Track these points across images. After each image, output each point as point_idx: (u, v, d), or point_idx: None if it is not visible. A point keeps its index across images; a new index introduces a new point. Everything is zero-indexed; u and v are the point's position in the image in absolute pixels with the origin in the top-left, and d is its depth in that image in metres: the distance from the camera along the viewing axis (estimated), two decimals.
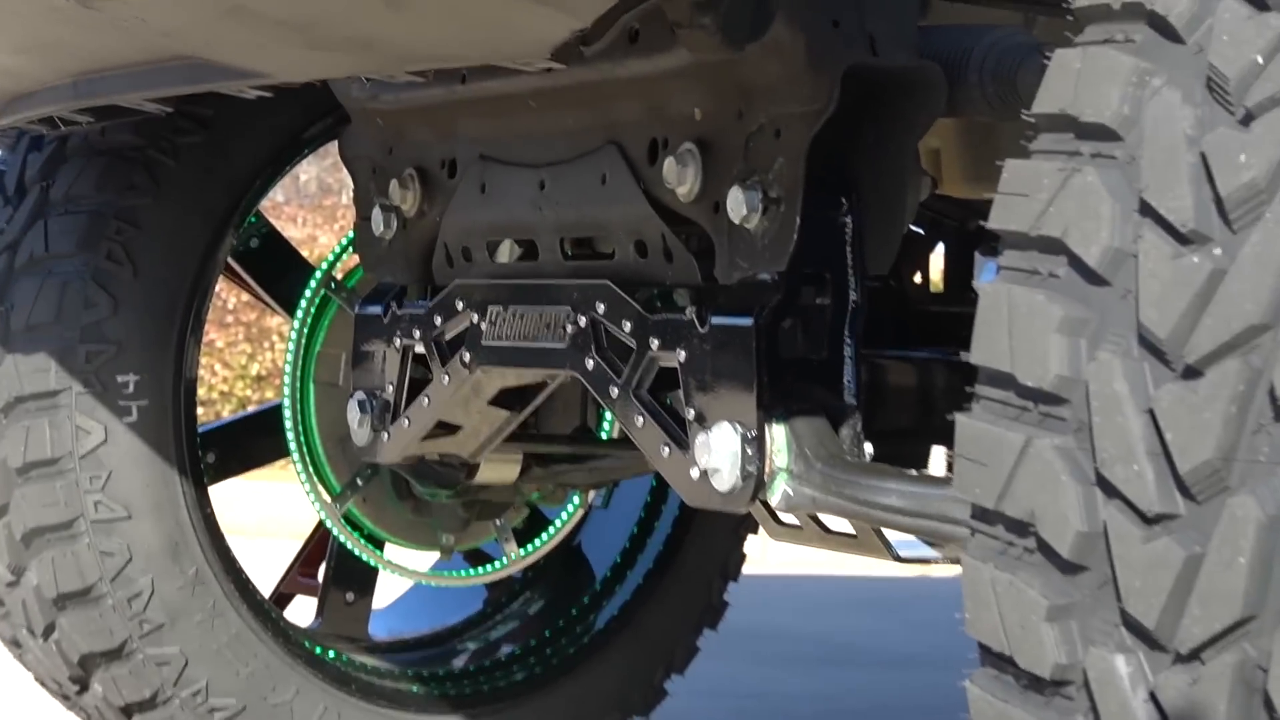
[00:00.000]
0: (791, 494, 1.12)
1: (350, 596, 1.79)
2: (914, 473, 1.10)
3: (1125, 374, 0.67)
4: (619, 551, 1.91)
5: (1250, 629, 0.62)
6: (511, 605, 1.90)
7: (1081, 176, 0.72)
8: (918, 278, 1.67)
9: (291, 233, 5.53)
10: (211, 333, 4.76)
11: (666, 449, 1.19)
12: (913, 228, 1.56)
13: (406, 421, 1.43)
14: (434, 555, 1.81)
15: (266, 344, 5.81)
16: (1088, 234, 0.71)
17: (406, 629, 1.87)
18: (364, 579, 1.77)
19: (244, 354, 5.83)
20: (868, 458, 1.15)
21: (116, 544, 1.56)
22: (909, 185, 1.20)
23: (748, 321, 1.13)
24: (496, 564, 1.80)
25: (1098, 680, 0.68)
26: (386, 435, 1.46)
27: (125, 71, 1.12)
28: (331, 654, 1.71)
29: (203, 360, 1.71)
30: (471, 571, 1.80)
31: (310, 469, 1.67)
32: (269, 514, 3.18)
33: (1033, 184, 0.77)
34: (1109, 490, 0.67)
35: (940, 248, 1.66)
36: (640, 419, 1.20)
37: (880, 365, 1.38)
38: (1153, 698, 0.66)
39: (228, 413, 5.45)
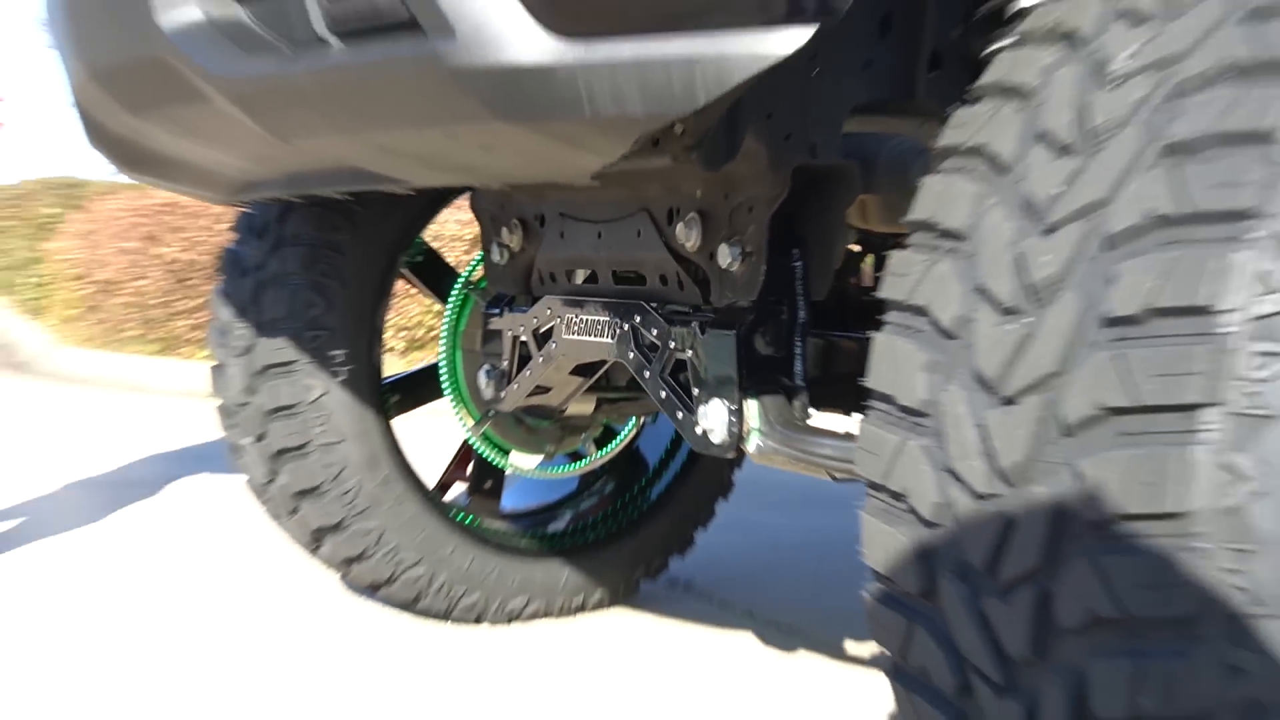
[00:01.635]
0: (761, 446, 1.17)
1: (488, 484, 1.84)
2: (841, 432, 1.12)
3: (966, 399, 0.69)
4: (663, 450, 1.95)
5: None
6: (594, 486, 1.94)
7: (940, 265, 0.73)
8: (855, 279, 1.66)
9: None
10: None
11: (680, 414, 1.24)
12: (851, 247, 1.54)
13: (516, 385, 1.51)
14: (541, 457, 1.85)
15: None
16: (942, 304, 0.72)
17: (524, 504, 1.89)
18: (496, 474, 1.83)
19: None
20: (810, 422, 1.18)
21: (336, 458, 1.63)
22: (838, 241, 1.23)
23: (732, 332, 1.16)
24: (584, 461, 1.85)
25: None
26: (504, 394, 1.54)
27: (317, 174, 1.15)
28: (475, 521, 1.79)
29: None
30: (568, 467, 1.85)
31: (459, 404, 1.73)
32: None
33: (908, 269, 0.77)
34: (955, 476, 0.69)
35: (870, 258, 1.65)
36: (663, 393, 1.26)
37: (832, 343, 1.37)
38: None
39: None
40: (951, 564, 0.69)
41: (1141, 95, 0.64)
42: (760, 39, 0.73)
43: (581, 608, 1.87)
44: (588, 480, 1.93)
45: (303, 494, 1.63)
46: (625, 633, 1.81)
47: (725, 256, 1.17)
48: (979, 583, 0.66)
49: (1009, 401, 0.65)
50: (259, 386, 1.60)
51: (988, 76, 0.76)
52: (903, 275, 0.76)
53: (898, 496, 0.73)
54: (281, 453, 1.61)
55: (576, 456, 1.86)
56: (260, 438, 1.62)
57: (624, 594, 1.91)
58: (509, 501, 1.87)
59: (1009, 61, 0.74)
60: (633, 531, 1.90)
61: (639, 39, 0.75)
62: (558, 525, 1.88)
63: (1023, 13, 0.76)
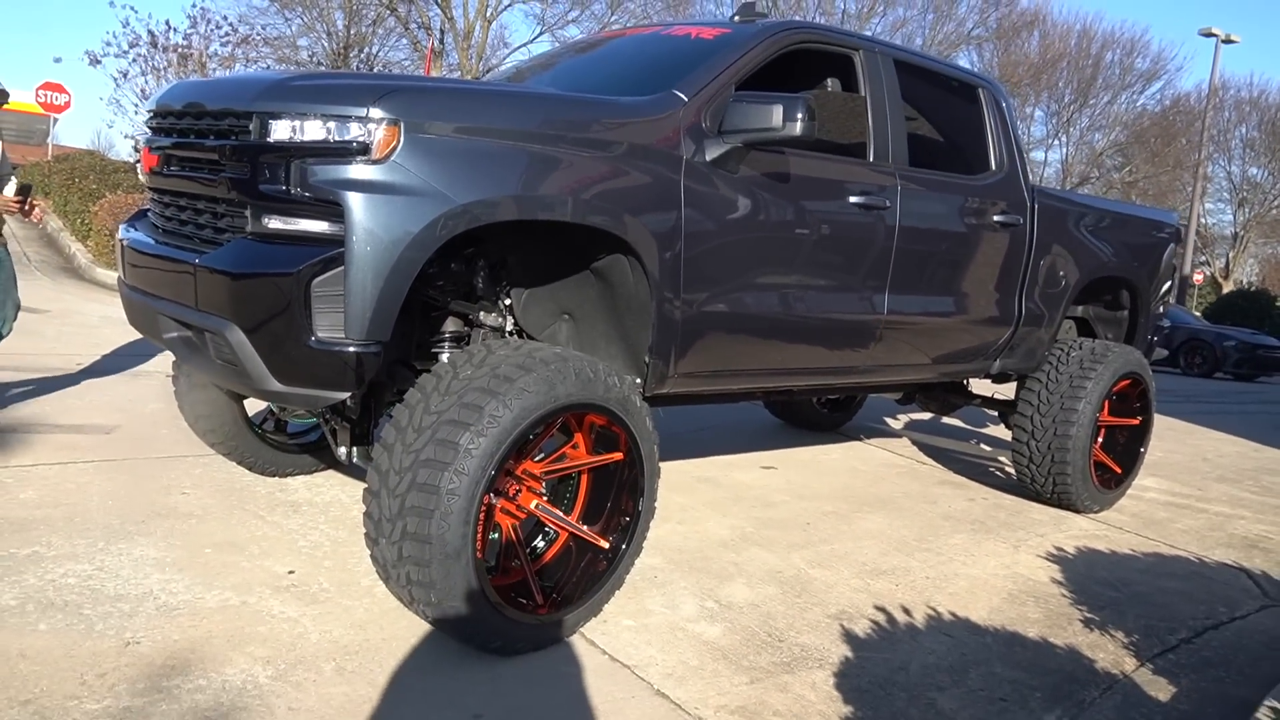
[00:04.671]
0: (356, 460, 3.67)
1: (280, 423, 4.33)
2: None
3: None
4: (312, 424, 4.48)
5: None
6: (316, 428, 4.46)
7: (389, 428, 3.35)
8: None
9: None
10: None
11: (339, 449, 3.79)
12: None
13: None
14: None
15: None
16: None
17: (296, 429, 4.41)
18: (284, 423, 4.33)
19: None
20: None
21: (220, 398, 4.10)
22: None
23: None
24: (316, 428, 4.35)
25: None
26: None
27: None
28: (264, 433, 4.30)
29: None
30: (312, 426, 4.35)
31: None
32: None
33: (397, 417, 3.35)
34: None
35: None
36: (340, 448, 3.77)
37: None
38: None
39: None
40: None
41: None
42: (332, 394, 2.78)
43: (310, 471, 4.45)
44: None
45: (197, 416, 4.08)
46: None
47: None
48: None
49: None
50: None
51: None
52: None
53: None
54: (195, 401, 4.04)
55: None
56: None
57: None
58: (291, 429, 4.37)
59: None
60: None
61: (299, 388, 2.71)
62: (308, 438, 4.41)
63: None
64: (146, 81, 20.28)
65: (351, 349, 2.62)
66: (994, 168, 4.61)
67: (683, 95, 3.25)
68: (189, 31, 20.59)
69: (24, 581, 3.05)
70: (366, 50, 25.80)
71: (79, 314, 9.02)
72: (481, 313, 3.27)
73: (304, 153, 2.59)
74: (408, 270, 2.62)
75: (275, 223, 2.66)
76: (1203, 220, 39.08)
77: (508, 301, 3.41)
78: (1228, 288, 35.49)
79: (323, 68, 24.53)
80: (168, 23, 20.82)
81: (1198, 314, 26.16)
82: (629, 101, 3.15)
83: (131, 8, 25.18)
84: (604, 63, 3.99)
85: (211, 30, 20.95)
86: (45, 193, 16.31)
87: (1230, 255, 40.02)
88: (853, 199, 3.74)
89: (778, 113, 3.12)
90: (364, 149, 2.57)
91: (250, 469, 4.29)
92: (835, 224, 3.71)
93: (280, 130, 2.62)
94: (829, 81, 4.15)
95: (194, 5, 29.85)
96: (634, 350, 3.29)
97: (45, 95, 21.98)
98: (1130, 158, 33.98)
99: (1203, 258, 39.99)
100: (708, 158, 3.22)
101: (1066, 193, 5.25)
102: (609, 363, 3.35)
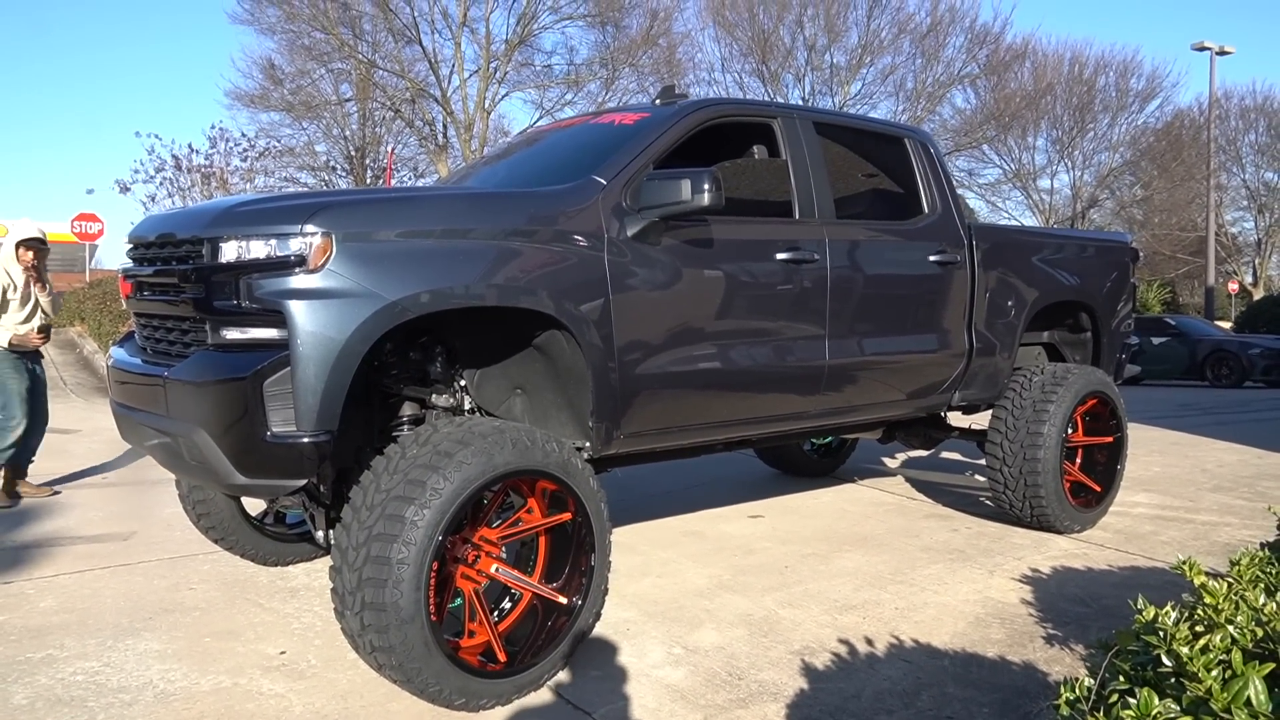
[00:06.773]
0: (322, 543, 3.95)
1: (277, 516, 4.59)
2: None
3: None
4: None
5: None
6: (302, 523, 4.73)
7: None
8: None
9: None
10: None
11: (318, 533, 4.06)
12: None
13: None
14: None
15: None
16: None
17: (290, 521, 4.68)
18: (282, 516, 4.57)
19: None
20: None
21: (222, 503, 4.38)
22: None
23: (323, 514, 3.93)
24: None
25: None
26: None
27: None
28: (263, 526, 4.57)
29: None
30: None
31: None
32: None
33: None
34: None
35: None
36: (319, 532, 4.06)
37: None
38: None
39: None
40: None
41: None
42: (291, 482, 3.37)
43: (310, 558, 4.71)
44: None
45: (200, 515, 4.38)
46: None
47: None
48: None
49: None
50: None
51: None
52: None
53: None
54: (196, 501, 4.35)
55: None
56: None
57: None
58: (289, 520, 4.64)
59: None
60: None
61: (261, 479, 3.10)
62: (306, 526, 4.66)
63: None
64: (174, 203, 21.31)
65: (305, 439, 2.90)
66: (926, 211, 4.86)
67: (601, 180, 3.55)
68: (210, 152, 21.68)
69: (36, 682, 3.32)
70: (382, 148, 26.83)
71: (107, 430, 9.45)
72: (434, 395, 3.54)
73: (250, 269, 2.91)
74: (348, 365, 2.91)
75: (231, 333, 2.97)
76: (1228, 230, 38.85)
77: (463, 382, 3.68)
78: (1258, 294, 35.03)
79: (336, 169, 25.54)
80: (190, 145, 21.96)
81: (1225, 325, 25.85)
82: (547, 191, 3.46)
83: (155, 135, 26.52)
84: (540, 155, 4.32)
85: (231, 147, 22.04)
86: (81, 318, 17.13)
87: (1257, 262, 39.61)
88: (780, 255, 3.99)
89: (685, 187, 3.40)
90: (301, 261, 2.88)
91: (253, 560, 4.56)
92: (764, 280, 3.96)
93: (229, 251, 2.94)
94: (755, 149, 4.44)
95: (213, 126, 31.36)
96: (579, 416, 3.54)
97: (80, 225, 23.24)
98: (1140, 175, 33.98)
99: (1230, 268, 39.63)
100: (629, 233, 3.50)
101: (1008, 226, 5.47)
102: (561, 429, 3.61)
